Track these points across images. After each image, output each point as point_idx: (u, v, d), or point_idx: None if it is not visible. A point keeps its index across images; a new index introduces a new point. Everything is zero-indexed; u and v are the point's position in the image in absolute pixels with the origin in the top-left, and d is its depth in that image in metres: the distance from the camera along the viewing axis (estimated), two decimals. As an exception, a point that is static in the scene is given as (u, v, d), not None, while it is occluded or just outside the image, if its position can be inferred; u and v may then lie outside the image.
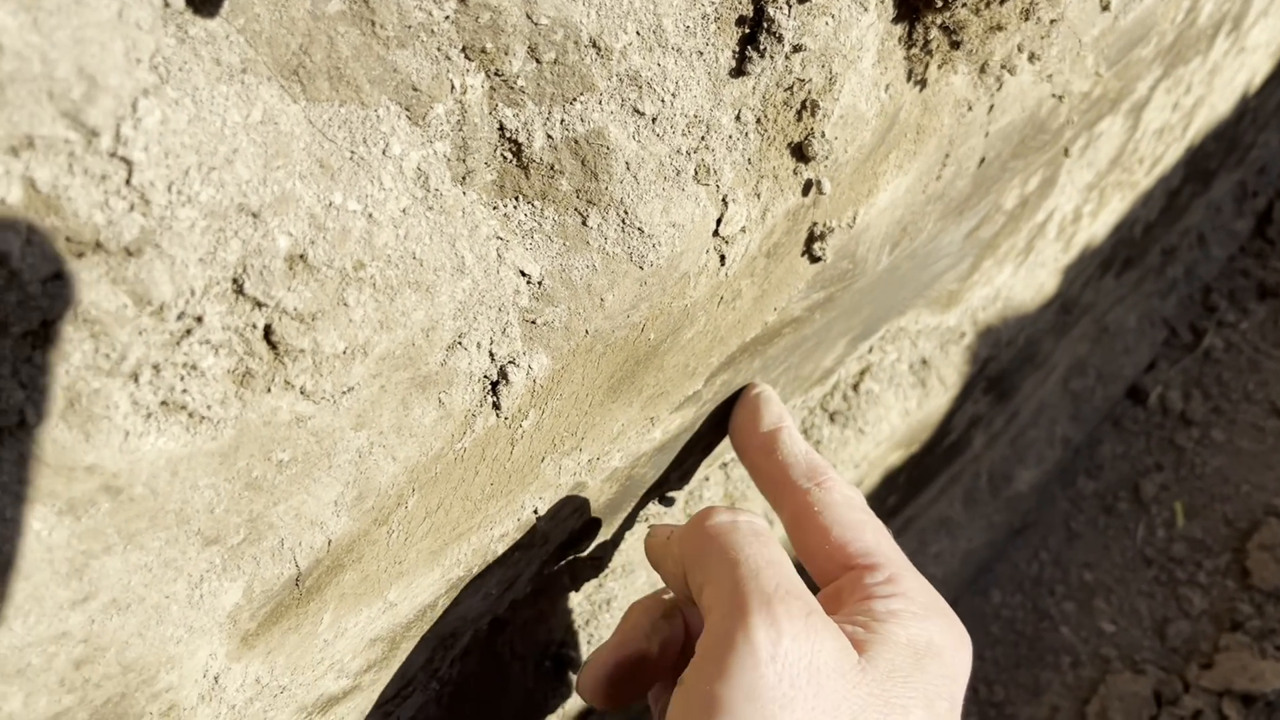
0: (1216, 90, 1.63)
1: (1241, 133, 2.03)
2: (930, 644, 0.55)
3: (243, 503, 0.40)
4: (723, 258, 0.58)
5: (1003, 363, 1.48)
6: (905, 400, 1.21)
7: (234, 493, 0.39)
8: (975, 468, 1.69)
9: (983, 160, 0.83)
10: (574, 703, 0.94)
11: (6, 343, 0.29)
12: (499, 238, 0.45)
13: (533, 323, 0.49)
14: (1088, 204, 1.33)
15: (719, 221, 0.55)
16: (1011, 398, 1.64)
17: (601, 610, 0.93)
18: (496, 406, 0.50)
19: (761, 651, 0.49)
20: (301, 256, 0.36)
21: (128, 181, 0.30)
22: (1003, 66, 0.71)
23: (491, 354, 0.48)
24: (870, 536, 0.60)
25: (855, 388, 1.11)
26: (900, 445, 1.28)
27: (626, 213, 0.49)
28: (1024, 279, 1.32)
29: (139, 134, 0.30)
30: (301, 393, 0.39)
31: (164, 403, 0.34)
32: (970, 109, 0.74)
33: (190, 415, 0.35)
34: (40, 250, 0.29)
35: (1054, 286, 1.48)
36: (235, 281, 0.34)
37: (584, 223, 0.48)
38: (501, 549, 0.61)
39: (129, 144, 0.30)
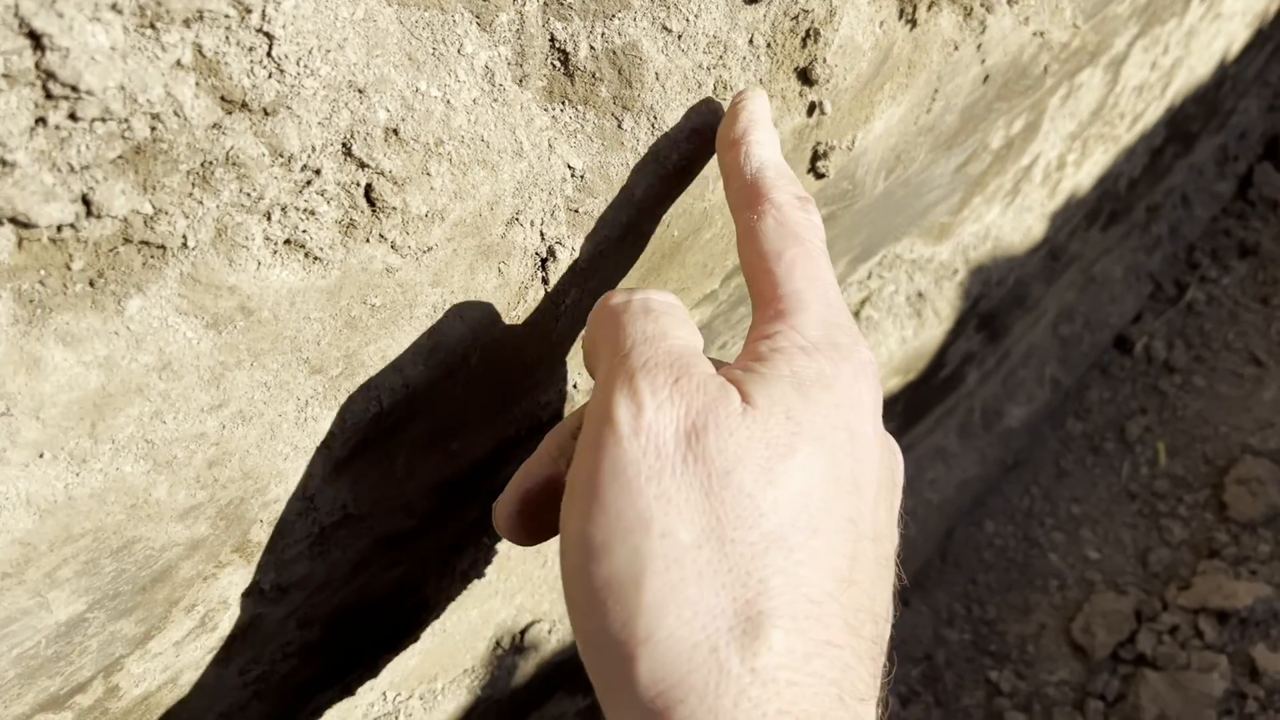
0: (1195, 53, 1.68)
1: (1222, 98, 2.08)
2: (820, 374, 0.49)
3: (342, 339, 0.46)
4: (737, 166, 0.64)
5: (994, 301, 1.53)
6: (902, 329, 1.27)
7: (336, 329, 0.46)
8: (969, 403, 1.75)
9: (968, 100, 0.89)
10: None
11: (176, 178, 0.36)
12: (550, 133, 0.51)
13: (575, 211, 0.55)
14: (1071, 153, 1.39)
15: (734, 133, 0.61)
16: (1003, 338, 1.70)
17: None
18: (545, 281, 0.56)
19: (623, 428, 0.46)
20: (395, 130, 0.42)
21: (269, 53, 0.36)
22: (983, 6, 0.77)
23: (542, 234, 0.54)
24: (799, 274, 0.53)
25: (856, 315, 1.17)
26: (898, 371, 1.34)
27: (655, 118, 0.55)
28: (1012, 221, 1.38)
29: (279, 14, 0.36)
30: (392, 246, 0.45)
31: (288, 240, 0.41)
32: (956, 49, 0.80)
33: (307, 254, 0.42)
34: (204, 103, 0.35)
35: (1041, 232, 1.53)
36: (344, 145, 0.41)
37: (619, 125, 0.54)
38: (545, 416, 0.67)
39: (271, 22, 0.36)
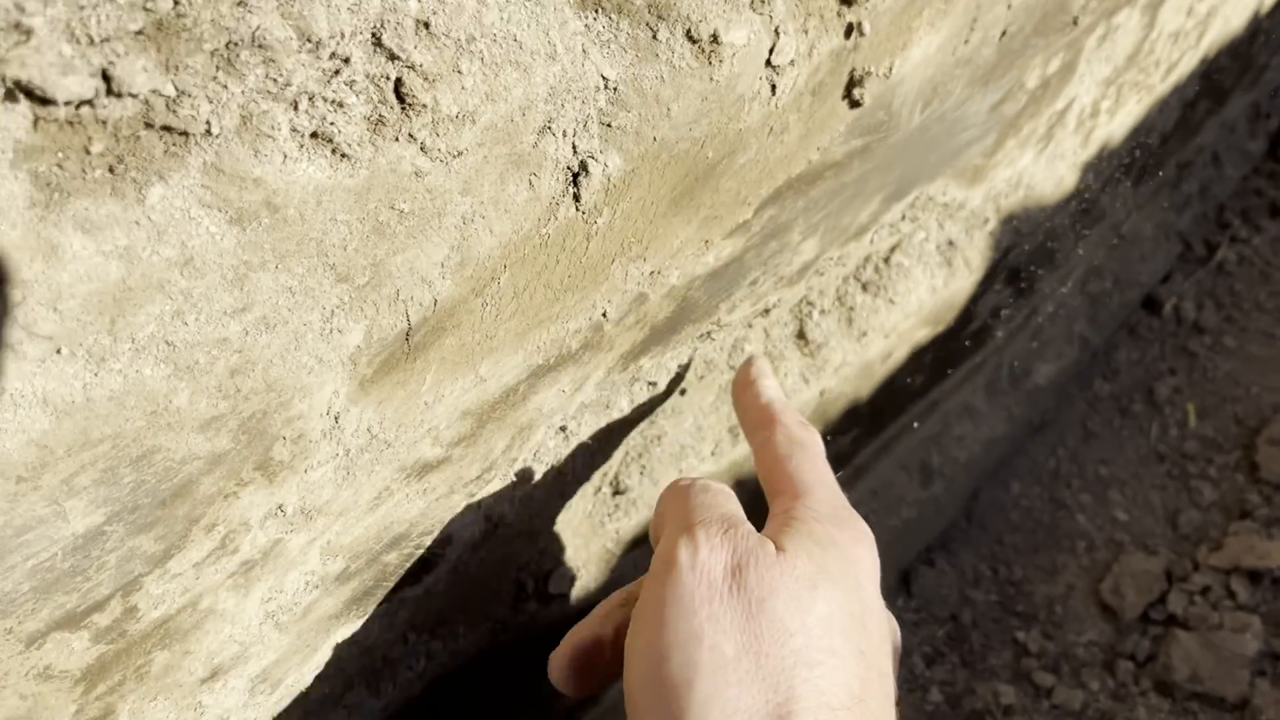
0: (1229, 2, 1.66)
1: (1255, 53, 2.05)
2: (830, 536, 0.63)
3: (369, 245, 0.45)
4: (773, 87, 0.63)
5: (1023, 254, 1.52)
6: (933, 278, 1.26)
7: (363, 234, 0.44)
8: (997, 359, 1.73)
9: (1005, 32, 0.87)
10: (624, 526, 1.00)
11: (199, 58, 0.35)
12: (583, 39, 0.50)
13: (608, 125, 0.54)
14: (1105, 99, 1.37)
15: (771, 51, 0.60)
16: (1031, 293, 1.68)
17: (653, 445, 0.98)
18: (576, 198, 0.55)
19: (682, 564, 0.59)
20: (426, 24, 0.41)
21: (296, -73, 0.35)
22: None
23: (574, 146, 0.52)
24: (807, 470, 0.70)
25: (887, 260, 1.15)
26: (928, 322, 1.33)
27: (691, 29, 0.54)
28: (1044, 169, 1.36)
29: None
30: (421, 148, 0.44)
31: (314, 134, 0.39)
32: (996, -23, 0.78)
33: (334, 150, 0.41)
34: (229, -24, 0.34)
35: (1073, 183, 1.51)
36: (374, 34, 0.39)
37: (654, 36, 0.53)
38: (575, 345, 0.66)
39: (299, -108, 0.35)
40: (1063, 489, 2.06)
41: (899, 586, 1.93)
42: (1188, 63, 1.63)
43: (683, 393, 0.95)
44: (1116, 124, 1.51)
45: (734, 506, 0.66)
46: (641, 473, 0.98)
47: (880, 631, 0.62)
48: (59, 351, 0.37)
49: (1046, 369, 1.87)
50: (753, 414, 0.77)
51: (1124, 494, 2.04)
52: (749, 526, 0.63)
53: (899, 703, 0.63)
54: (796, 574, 0.59)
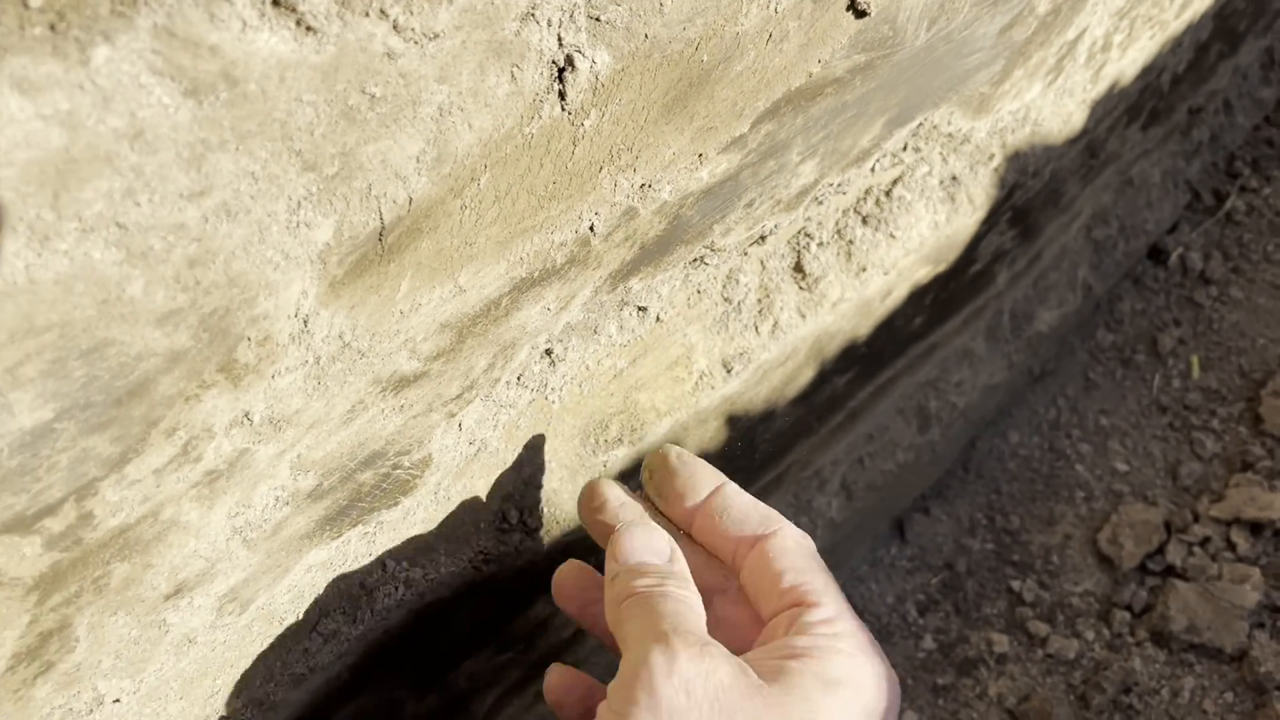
0: (1247, -62, 1.64)
1: (1270, -3, 2.03)
2: (849, 678, 0.61)
3: (338, 132, 0.43)
4: (773, -12, 0.60)
5: (1028, 194, 1.50)
6: (935, 213, 1.24)
7: (331, 118, 0.42)
8: (998, 304, 1.71)
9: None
10: (613, 459, 0.98)
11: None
12: (569, -79, 0.47)
13: (597, 19, 0.51)
14: (1118, 33, 1.34)
15: (770, -51, 0.58)
16: (1035, 237, 1.66)
17: (643, 359, 0.96)
18: (562, 95, 0.53)
19: (658, 671, 0.57)
20: (397, -112, 0.39)
21: None
22: None
23: (560, 38, 0.50)
24: (820, 580, 0.69)
25: (888, 193, 1.13)
26: (929, 260, 1.31)
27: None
28: (1053, 104, 1.34)
29: None
30: (394, 26, 0.42)
31: (276, 1, 0.37)
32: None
33: (298, 22, 0.38)
34: None
35: (1081, 121, 1.49)
36: (341, -105, 0.37)
37: (646, -80, 0.51)
38: (560, 259, 0.64)
39: None
40: (1062, 439, 2.05)
41: (893, 533, 1.92)
42: (1203, 0, 1.61)
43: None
44: (1128, 60, 1.48)
45: (702, 621, 0.65)
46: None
47: None
48: (-4, 225, 0.34)
49: (1049, 315, 1.85)
50: (733, 530, 0.74)
51: (1124, 444, 2.02)
52: (724, 649, 0.61)
53: None
54: (786, 712, 0.58)
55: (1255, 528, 1.80)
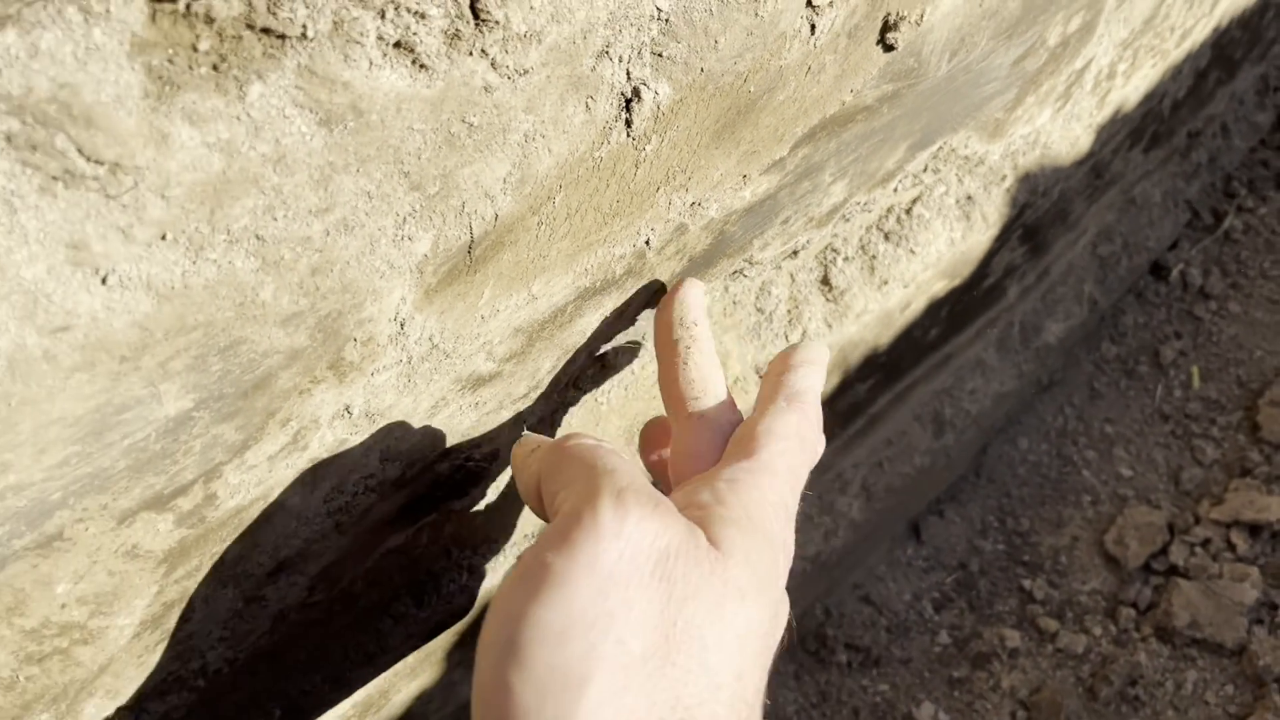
0: (1242, -26, 1.67)
1: (1264, 26, 2.06)
2: (771, 538, 0.55)
3: (440, 156, 0.47)
4: (813, 26, 0.64)
5: (1038, 213, 1.53)
6: (951, 230, 1.27)
7: (435, 144, 0.46)
8: (1009, 316, 1.75)
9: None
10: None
11: (297, -36, 0.36)
12: (638, -30, 0.51)
13: (659, 55, 0.55)
14: (1122, 62, 1.38)
15: (811, -9, 0.62)
16: (1044, 253, 1.70)
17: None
18: (628, 124, 0.57)
19: (606, 527, 0.49)
20: (498, -57, 0.43)
21: None
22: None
23: (628, 72, 0.54)
24: (780, 433, 0.61)
25: (908, 212, 1.17)
26: (945, 274, 1.34)
27: (739, -35, 0.56)
28: (1061, 129, 1.38)
29: None
30: (492, 64, 0.46)
31: (398, 43, 0.41)
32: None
33: (414, 61, 0.42)
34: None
35: (1088, 144, 1.53)
36: (453, -50, 0.41)
37: (703, -31, 0.55)
38: (619, 271, 0.68)
39: None
40: (1069, 446, 2.08)
41: (910, 534, 1.96)
42: (1201, 30, 1.64)
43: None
44: (1131, 88, 1.52)
45: (650, 484, 0.54)
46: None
47: (776, 647, 0.55)
48: (164, 237, 0.39)
49: (1056, 328, 1.88)
50: (782, 391, 0.64)
51: (1129, 451, 2.06)
52: (674, 508, 0.53)
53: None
54: (727, 580, 0.51)
55: (1254, 529, 1.83)
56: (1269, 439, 1.98)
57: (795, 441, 0.60)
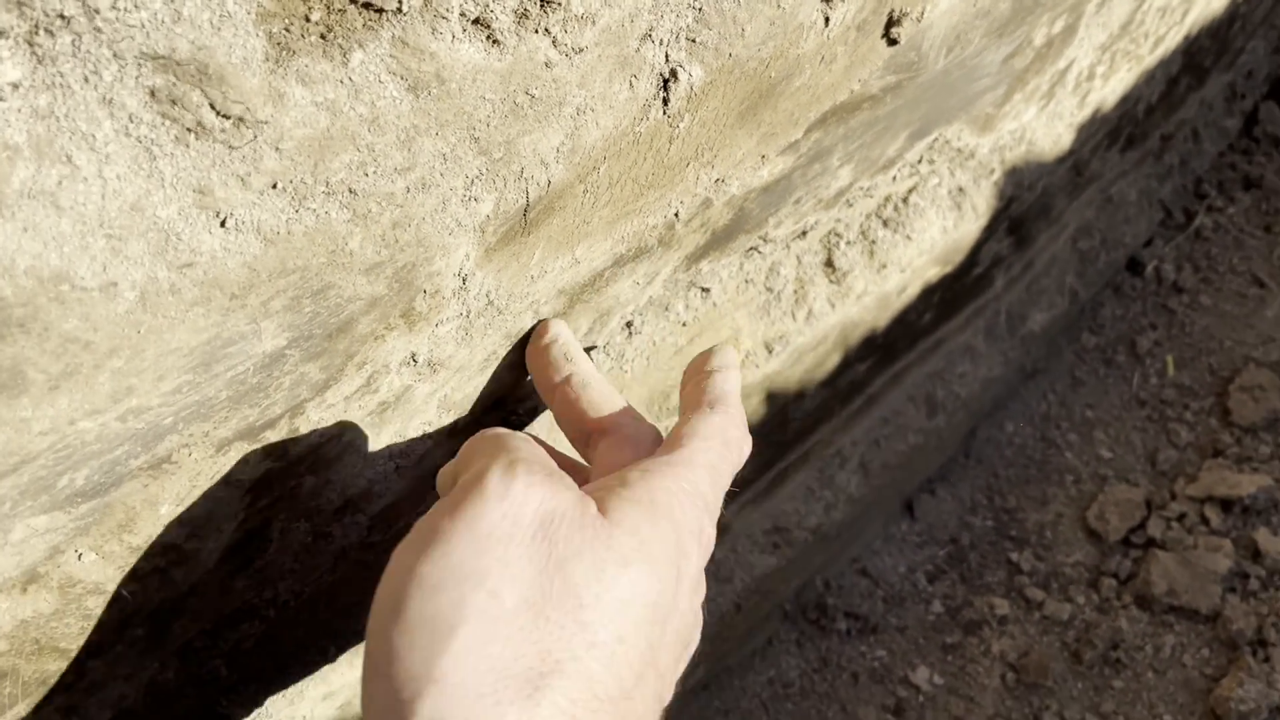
0: (1212, -16, 1.71)
1: (1232, 36, 2.09)
2: (669, 517, 0.55)
3: (505, 124, 0.51)
4: (827, 19, 0.68)
5: (1023, 206, 1.57)
6: (944, 219, 1.31)
7: (502, 113, 0.50)
8: (996, 305, 1.78)
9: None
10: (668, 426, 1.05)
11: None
12: (676, -39, 0.55)
13: (693, 40, 0.59)
14: (1100, 65, 1.42)
15: (825, -14, 0.65)
16: (1029, 246, 1.73)
17: (698, 339, 1.03)
18: (665, 102, 0.60)
19: (491, 490, 0.50)
20: (560, -67, 0.46)
21: None
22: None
23: (667, 55, 0.58)
24: (706, 416, 0.62)
25: (905, 200, 1.21)
26: (938, 261, 1.38)
27: (764, -42, 0.59)
28: (1045, 126, 1.41)
29: None
30: (553, 42, 0.49)
31: (476, 20, 0.45)
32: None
33: (489, 37, 0.46)
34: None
35: (1069, 142, 1.56)
36: (524, -62, 0.45)
37: (733, -38, 0.58)
38: (651, 240, 0.71)
39: None
40: (1052, 429, 2.12)
41: (903, 512, 1.99)
42: (1173, 38, 1.68)
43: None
44: (1109, 90, 1.56)
45: (553, 463, 0.55)
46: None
47: (679, 633, 0.55)
48: (274, 186, 0.42)
49: (1040, 317, 1.92)
50: (702, 398, 0.64)
51: (1108, 434, 2.09)
52: (571, 481, 0.54)
53: (669, 709, 0.56)
54: (611, 544, 0.51)
55: (1226, 504, 1.87)
56: (1239, 422, 2.02)
57: (718, 441, 0.61)
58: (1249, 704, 1.61)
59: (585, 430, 0.64)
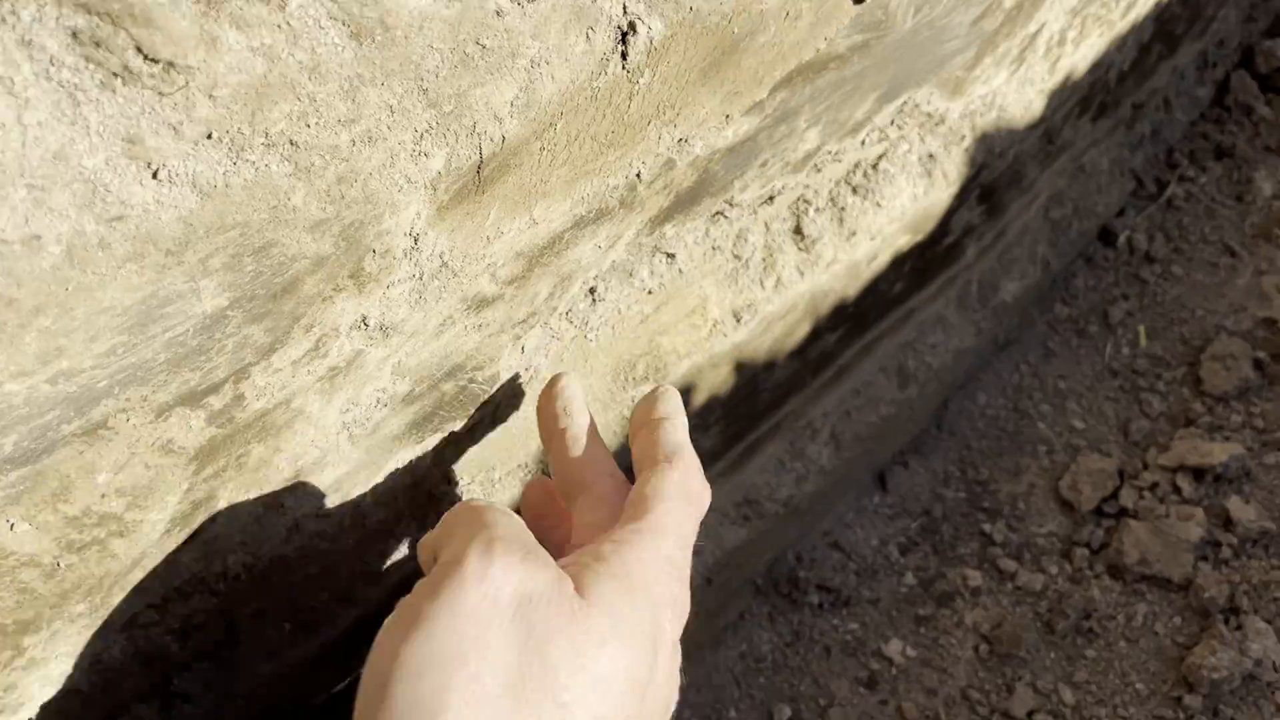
0: (1184, -52, 1.70)
1: (1204, 4, 2.08)
2: (644, 590, 0.56)
3: (455, 75, 0.49)
4: (790, -28, 0.66)
5: (994, 174, 1.55)
6: (915, 186, 1.30)
7: (452, 64, 0.48)
8: (968, 275, 1.77)
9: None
10: (638, 395, 1.04)
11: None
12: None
13: (651, -9, 0.57)
14: (1071, 29, 1.40)
15: (789, -62, 0.64)
16: (1000, 214, 1.72)
17: (658, 335, 1.02)
18: (624, 56, 0.58)
19: (469, 572, 0.51)
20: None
21: None
22: None
23: (624, 6, 0.56)
24: (668, 483, 0.63)
25: (875, 167, 1.19)
26: (909, 229, 1.37)
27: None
28: (1016, 91, 1.40)
29: None
30: (502, -13, 0.48)
31: (421, -37, 0.43)
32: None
33: (435, -20, 0.44)
34: None
35: (1040, 109, 1.55)
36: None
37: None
38: (613, 202, 0.70)
39: None
40: (1025, 400, 2.11)
41: (875, 484, 1.98)
42: (1145, 3, 1.67)
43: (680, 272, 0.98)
44: (1080, 55, 1.54)
45: (532, 538, 0.57)
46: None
47: (657, 703, 0.57)
48: (209, 136, 0.40)
49: (1012, 287, 1.91)
50: (657, 452, 0.66)
51: (1081, 405, 2.09)
52: (549, 558, 0.55)
53: None
54: (588, 625, 0.52)
55: (1198, 473, 1.87)
56: (1210, 391, 2.02)
57: (680, 500, 0.62)
58: (1221, 671, 1.61)
59: (568, 483, 0.68)
